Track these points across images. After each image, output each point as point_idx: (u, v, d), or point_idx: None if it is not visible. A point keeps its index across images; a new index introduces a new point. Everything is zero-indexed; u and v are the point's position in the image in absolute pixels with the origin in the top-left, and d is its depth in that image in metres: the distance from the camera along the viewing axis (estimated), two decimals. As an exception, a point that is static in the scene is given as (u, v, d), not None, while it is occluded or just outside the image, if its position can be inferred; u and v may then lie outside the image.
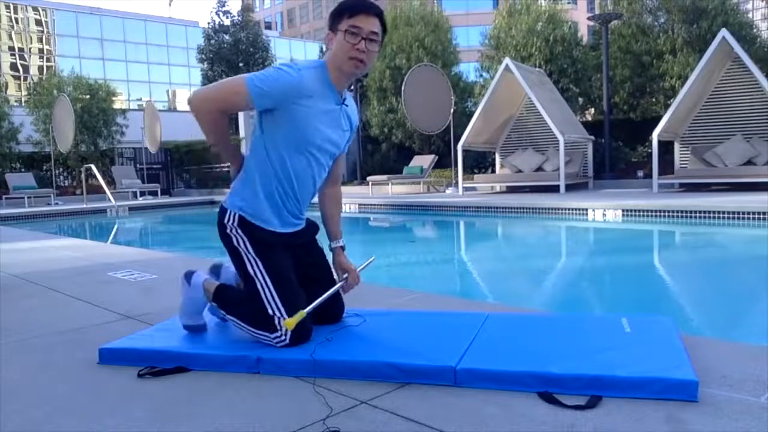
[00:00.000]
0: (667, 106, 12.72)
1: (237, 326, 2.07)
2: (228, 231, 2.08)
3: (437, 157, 14.62)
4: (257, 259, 2.03)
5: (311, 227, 2.27)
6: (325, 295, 2.08)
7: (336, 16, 2.00)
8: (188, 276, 2.22)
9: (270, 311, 1.97)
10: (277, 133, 2.01)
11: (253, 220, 2.06)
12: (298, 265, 2.14)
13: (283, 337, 1.95)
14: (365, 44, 1.96)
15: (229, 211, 2.08)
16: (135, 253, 5.19)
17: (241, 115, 21.34)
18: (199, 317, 2.21)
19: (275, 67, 1.97)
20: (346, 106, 2.12)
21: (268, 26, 59.13)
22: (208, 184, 19.03)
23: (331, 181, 2.29)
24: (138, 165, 19.18)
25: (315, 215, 2.29)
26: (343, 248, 2.29)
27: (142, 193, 16.29)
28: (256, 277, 2.02)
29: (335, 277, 2.25)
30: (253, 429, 1.48)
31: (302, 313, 1.93)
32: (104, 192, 13.98)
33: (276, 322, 1.95)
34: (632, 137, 14.01)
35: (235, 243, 2.07)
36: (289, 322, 1.90)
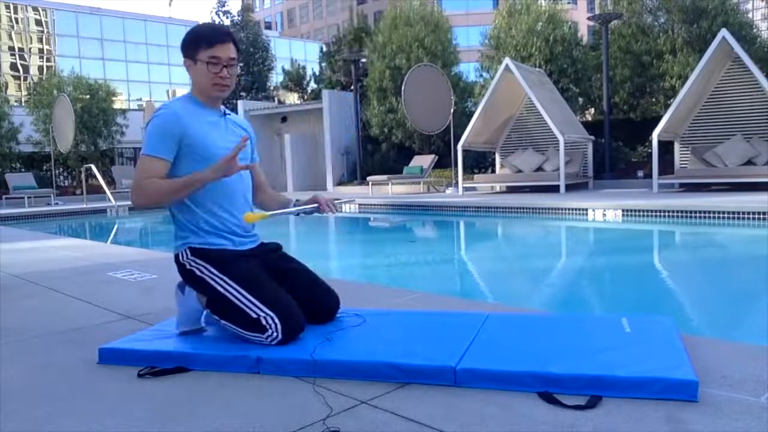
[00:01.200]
0: (667, 106, 12.71)
1: (232, 330, 2.07)
2: (187, 267, 2.13)
3: (437, 157, 14.61)
4: (222, 277, 2.06)
5: (272, 243, 2.31)
6: (297, 209, 2.19)
7: (192, 46, 2.10)
8: (182, 286, 2.23)
9: (254, 315, 1.98)
10: (183, 165, 2.08)
11: (203, 246, 2.11)
12: (271, 270, 2.16)
13: (274, 334, 1.96)
14: (226, 71, 2.09)
15: (179, 253, 2.15)
16: (135, 253, 5.19)
17: (241, 115, 21.37)
18: (197, 323, 2.21)
19: (148, 125, 2.08)
20: (228, 115, 2.24)
21: (268, 26, 59.08)
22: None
23: (260, 191, 2.38)
24: (138, 165, 19.17)
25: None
26: (298, 200, 2.33)
27: (142, 193, 16.26)
28: (228, 292, 2.04)
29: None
30: (253, 429, 1.48)
31: (264, 214, 1.99)
32: (104, 192, 13.97)
33: (263, 322, 1.97)
34: (632, 137, 14.00)
35: (198, 273, 2.10)
36: (249, 217, 1.95)
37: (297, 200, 2.32)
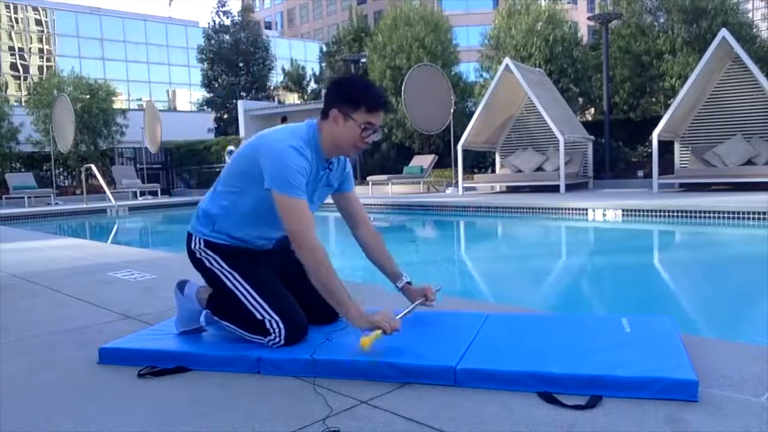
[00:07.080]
0: (667, 106, 12.71)
1: (233, 331, 2.07)
2: (198, 255, 2.12)
3: (437, 157, 14.61)
4: (232, 272, 2.06)
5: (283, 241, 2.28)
6: (404, 311, 2.11)
7: (352, 102, 1.97)
8: (181, 286, 2.23)
9: (259, 316, 1.98)
10: (257, 190, 1.97)
11: (218, 240, 2.10)
12: (275, 269, 2.16)
13: (277, 339, 1.96)
14: (373, 136, 2.04)
15: (194, 236, 2.13)
16: (135, 253, 5.19)
17: (241, 115, 21.35)
18: (196, 323, 2.21)
19: (284, 157, 1.90)
20: (330, 170, 2.12)
21: (268, 26, 59.06)
22: (208, 183, 19.04)
23: (357, 224, 2.26)
24: (138, 165, 19.17)
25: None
26: (410, 282, 2.27)
27: (142, 193, 16.28)
28: (236, 288, 2.03)
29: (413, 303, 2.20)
30: (253, 429, 1.48)
31: (378, 334, 1.85)
32: (104, 192, 13.97)
33: (267, 325, 1.96)
34: (632, 137, 14.00)
35: (208, 264, 2.10)
36: (365, 341, 1.80)
37: (408, 283, 2.27)
